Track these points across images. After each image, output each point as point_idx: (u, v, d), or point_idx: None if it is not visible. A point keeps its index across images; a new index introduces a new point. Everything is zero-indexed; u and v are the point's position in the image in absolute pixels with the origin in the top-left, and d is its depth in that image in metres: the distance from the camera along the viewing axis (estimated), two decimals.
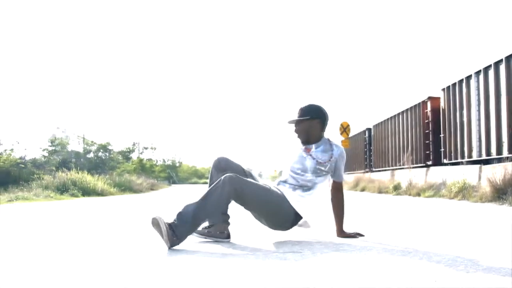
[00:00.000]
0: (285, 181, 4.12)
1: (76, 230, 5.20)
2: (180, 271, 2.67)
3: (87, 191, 16.18)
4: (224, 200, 3.66)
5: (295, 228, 4.15)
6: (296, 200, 3.97)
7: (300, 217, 4.02)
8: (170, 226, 3.43)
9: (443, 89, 14.79)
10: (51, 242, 4.11)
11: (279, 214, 3.95)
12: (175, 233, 3.41)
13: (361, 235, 4.09)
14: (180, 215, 3.51)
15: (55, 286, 2.33)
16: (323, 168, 4.04)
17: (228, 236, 3.88)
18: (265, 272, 2.60)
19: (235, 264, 2.85)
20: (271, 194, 3.92)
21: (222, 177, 3.67)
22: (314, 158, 4.05)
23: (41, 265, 2.94)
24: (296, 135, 4.23)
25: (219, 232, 3.86)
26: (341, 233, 4.09)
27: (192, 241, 3.81)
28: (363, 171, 24.88)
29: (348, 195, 15.71)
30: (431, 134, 15.79)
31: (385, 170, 20.30)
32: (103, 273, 2.65)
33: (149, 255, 3.27)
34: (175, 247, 3.45)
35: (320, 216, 4.23)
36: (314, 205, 4.02)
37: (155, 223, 3.45)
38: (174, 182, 47.21)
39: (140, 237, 4.30)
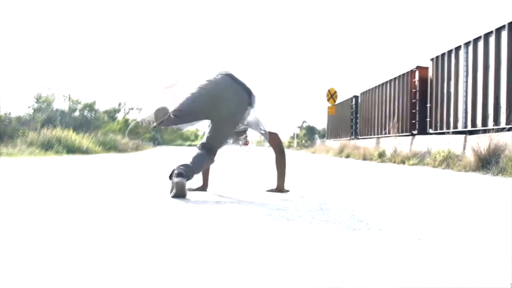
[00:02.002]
0: None
1: (67, 186, 5.20)
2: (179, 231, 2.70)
3: (72, 149, 16.09)
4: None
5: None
6: None
7: None
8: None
9: (432, 59, 14.81)
10: (39, 197, 4.11)
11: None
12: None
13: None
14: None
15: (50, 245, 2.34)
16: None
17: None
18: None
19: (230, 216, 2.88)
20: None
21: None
22: None
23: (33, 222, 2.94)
24: None
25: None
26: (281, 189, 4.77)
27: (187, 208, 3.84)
28: (348, 138, 24.99)
29: (332, 160, 15.83)
30: (418, 104, 15.84)
31: (370, 137, 20.40)
32: (106, 225, 2.67)
33: (148, 206, 3.29)
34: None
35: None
36: None
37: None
38: (159, 144, 47.11)
39: (135, 190, 4.32)
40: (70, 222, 2.74)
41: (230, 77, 4.35)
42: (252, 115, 4.49)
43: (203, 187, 4.72)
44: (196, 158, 4.25)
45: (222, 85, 4.31)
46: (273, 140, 4.69)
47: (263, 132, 4.55)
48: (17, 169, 7.69)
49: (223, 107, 4.27)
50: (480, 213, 3.56)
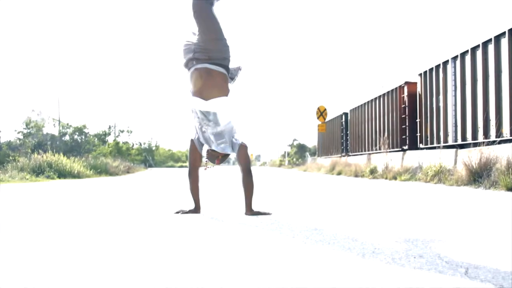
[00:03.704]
0: None
1: (63, 209, 5.16)
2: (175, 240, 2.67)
3: (63, 173, 16.03)
4: None
5: None
6: None
7: None
8: None
9: (420, 74, 14.90)
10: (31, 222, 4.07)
11: None
12: None
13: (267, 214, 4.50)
14: None
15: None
16: None
17: None
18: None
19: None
20: None
21: None
22: None
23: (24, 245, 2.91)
24: None
25: None
26: (249, 210, 4.49)
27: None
28: (339, 155, 25.02)
29: (324, 178, 15.84)
30: (408, 119, 15.91)
31: (361, 154, 20.44)
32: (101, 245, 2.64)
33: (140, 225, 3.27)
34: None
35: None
36: None
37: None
38: (150, 166, 46.96)
39: (126, 211, 4.29)
40: (71, 246, 2.71)
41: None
42: (227, 122, 4.39)
43: (196, 210, 4.67)
44: None
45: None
46: (241, 154, 4.48)
47: (235, 141, 4.48)
48: (10, 195, 7.63)
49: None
50: (478, 228, 3.55)
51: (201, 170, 4.68)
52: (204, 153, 4.58)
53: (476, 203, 5.90)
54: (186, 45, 4.42)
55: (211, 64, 4.27)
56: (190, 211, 4.64)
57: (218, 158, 4.53)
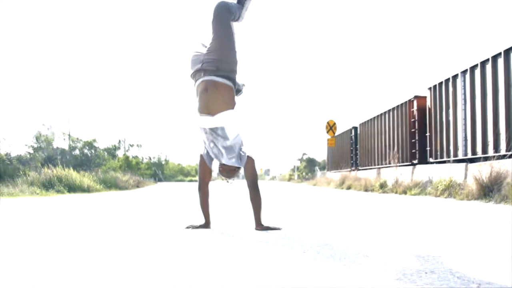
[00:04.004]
0: None
1: (71, 225, 5.18)
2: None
3: (73, 188, 16.08)
4: None
5: None
6: None
7: None
8: None
9: (430, 88, 14.88)
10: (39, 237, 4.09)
11: None
12: None
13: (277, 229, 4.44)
14: None
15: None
16: None
17: None
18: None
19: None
20: None
21: None
22: None
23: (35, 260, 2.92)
24: None
25: None
26: (259, 225, 4.46)
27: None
28: (349, 169, 24.95)
29: (334, 193, 15.80)
30: (417, 133, 15.87)
31: (371, 168, 20.37)
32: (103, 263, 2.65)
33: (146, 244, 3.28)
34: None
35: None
36: None
37: None
38: (160, 180, 47.03)
39: (134, 227, 4.30)
40: (78, 258, 2.72)
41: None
42: (236, 135, 4.38)
43: (206, 225, 4.66)
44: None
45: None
46: (248, 169, 4.44)
47: (242, 154, 4.44)
48: (20, 209, 7.66)
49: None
50: (490, 242, 3.53)
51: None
52: (213, 167, 4.59)
53: (487, 218, 5.87)
54: (194, 55, 4.43)
55: (217, 77, 4.28)
56: (201, 226, 4.64)
57: (232, 170, 4.47)
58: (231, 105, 4.34)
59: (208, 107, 4.27)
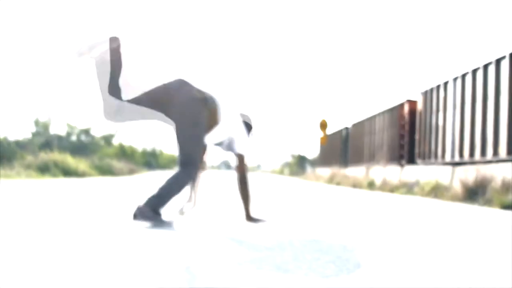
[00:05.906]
0: None
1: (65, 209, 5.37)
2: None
3: (69, 172, 16.32)
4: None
5: None
6: None
7: None
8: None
9: (422, 93, 15.16)
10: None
11: None
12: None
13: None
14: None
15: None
16: None
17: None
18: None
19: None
20: None
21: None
22: None
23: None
24: None
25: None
26: (248, 217, 4.57)
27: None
28: (338, 167, 25.22)
29: (324, 187, 15.89)
30: (407, 135, 16.16)
31: (360, 167, 20.65)
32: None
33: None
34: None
35: None
36: None
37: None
38: (153, 168, 47.17)
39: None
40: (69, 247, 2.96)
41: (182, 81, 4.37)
42: (230, 131, 4.45)
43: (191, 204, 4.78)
44: (165, 183, 4.21)
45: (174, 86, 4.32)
46: (239, 163, 4.56)
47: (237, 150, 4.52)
48: (15, 192, 7.85)
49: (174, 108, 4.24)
50: (473, 244, 3.75)
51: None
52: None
53: (468, 219, 6.08)
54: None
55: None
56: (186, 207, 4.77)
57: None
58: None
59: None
